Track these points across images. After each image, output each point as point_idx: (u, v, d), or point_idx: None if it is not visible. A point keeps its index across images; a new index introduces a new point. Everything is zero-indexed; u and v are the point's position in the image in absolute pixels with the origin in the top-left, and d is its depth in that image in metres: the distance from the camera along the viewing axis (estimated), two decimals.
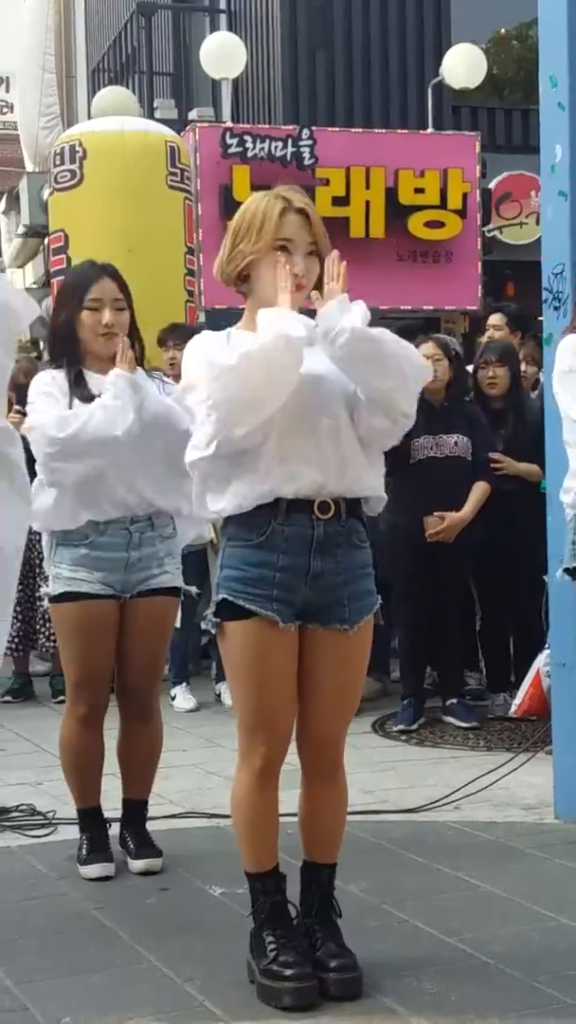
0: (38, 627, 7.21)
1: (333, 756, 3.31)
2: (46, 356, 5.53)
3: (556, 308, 4.71)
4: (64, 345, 4.23)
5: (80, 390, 4.12)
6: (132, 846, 4.24)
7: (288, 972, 3.13)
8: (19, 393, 6.88)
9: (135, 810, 4.31)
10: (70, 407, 4.07)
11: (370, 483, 3.24)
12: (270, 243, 3.17)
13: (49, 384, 4.16)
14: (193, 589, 4.57)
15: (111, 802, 4.32)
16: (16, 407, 7.09)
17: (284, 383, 3.08)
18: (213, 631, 3.25)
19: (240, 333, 3.25)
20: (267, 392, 3.07)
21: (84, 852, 4.20)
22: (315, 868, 3.33)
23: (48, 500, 4.10)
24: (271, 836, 3.25)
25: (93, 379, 4.14)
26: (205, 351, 3.18)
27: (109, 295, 4.17)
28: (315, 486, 3.15)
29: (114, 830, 4.31)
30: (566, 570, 4.37)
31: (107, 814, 4.30)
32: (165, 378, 4.41)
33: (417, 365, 3.25)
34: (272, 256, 3.17)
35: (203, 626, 3.37)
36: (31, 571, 6.71)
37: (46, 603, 4.28)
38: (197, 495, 3.25)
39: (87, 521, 4.09)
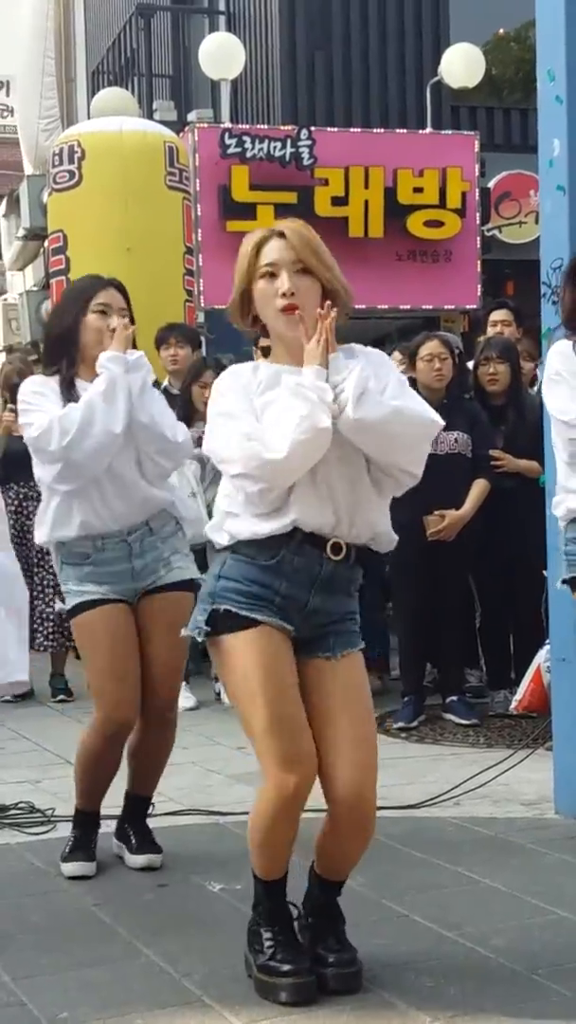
0: (35, 625, 7.20)
1: (365, 810, 3.14)
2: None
3: (555, 303, 4.70)
4: (63, 348, 4.18)
5: (70, 394, 4.07)
6: (134, 842, 4.24)
7: (285, 968, 3.12)
8: (12, 393, 6.94)
9: (138, 805, 4.30)
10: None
11: (381, 527, 3.22)
12: (255, 273, 3.18)
13: (41, 385, 4.14)
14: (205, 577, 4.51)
15: (112, 798, 4.31)
16: (9, 406, 7.19)
17: (315, 459, 3.08)
18: (201, 639, 3.18)
19: (268, 369, 3.20)
20: (301, 470, 3.08)
21: (67, 849, 4.20)
22: (325, 880, 3.28)
23: (48, 510, 4.10)
24: (287, 851, 3.17)
25: (85, 388, 4.08)
26: (238, 418, 3.12)
27: (116, 303, 4.16)
28: (328, 526, 3.13)
29: (112, 825, 4.31)
30: (565, 581, 4.37)
31: (108, 810, 4.30)
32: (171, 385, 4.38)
33: (426, 426, 3.17)
34: (259, 283, 3.17)
35: (186, 632, 3.24)
36: (28, 570, 6.71)
37: (61, 615, 4.25)
38: (214, 523, 3.24)
39: (84, 537, 4.05)
